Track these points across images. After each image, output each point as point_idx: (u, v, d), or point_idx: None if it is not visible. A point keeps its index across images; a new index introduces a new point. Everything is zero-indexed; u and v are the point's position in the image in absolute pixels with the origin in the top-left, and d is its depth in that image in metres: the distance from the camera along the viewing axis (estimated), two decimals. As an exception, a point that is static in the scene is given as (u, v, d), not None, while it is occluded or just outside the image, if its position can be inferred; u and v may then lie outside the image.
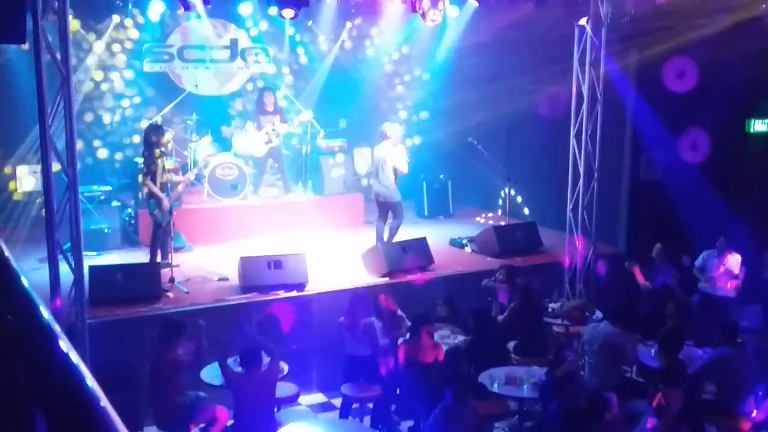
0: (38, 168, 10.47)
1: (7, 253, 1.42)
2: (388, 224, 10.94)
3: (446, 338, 8.60)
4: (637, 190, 11.86)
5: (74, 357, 1.16)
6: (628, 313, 8.39)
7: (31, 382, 1.16)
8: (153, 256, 9.87)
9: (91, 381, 1.12)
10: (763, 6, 10.24)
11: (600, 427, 5.58)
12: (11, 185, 11.14)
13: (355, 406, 8.27)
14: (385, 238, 10.84)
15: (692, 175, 11.15)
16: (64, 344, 1.19)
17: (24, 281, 1.31)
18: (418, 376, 7.56)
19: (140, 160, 11.43)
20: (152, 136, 9.75)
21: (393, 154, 10.64)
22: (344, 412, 8.12)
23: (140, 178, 10.30)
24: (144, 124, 12.40)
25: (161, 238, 9.89)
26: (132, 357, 8.04)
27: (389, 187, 10.66)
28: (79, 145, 11.84)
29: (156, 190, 9.63)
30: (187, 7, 8.53)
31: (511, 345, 8.74)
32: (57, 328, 1.22)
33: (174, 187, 9.95)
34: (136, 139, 12.56)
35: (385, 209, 10.87)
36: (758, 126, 12.14)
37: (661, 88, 11.11)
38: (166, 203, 9.65)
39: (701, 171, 11.18)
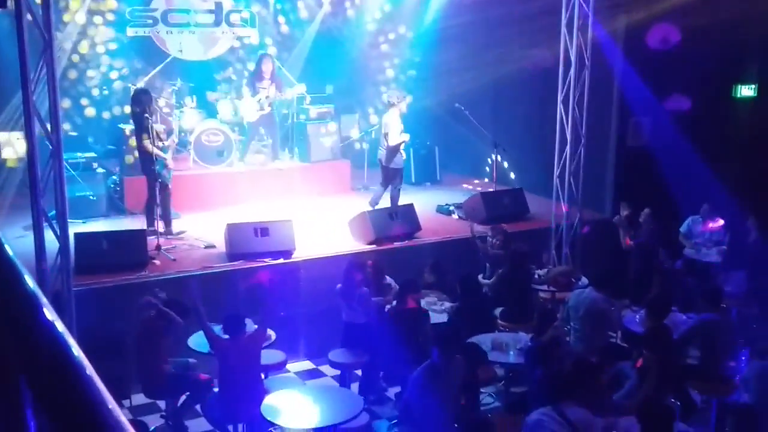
0: (18, 134, 10.42)
1: None
2: (389, 190, 11.05)
3: (433, 305, 8.63)
4: (624, 156, 11.86)
5: (60, 326, 1.15)
6: (613, 279, 8.44)
7: (15, 352, 1.13)
8: (151, 221, 9.91)
9: (76, 350, 1.11)
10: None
11: (584, 391, 5.63)
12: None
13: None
14: (380, 204, 10.90)
15: (679, 141, 11.16)
16: (49, 313, 1.17)
17: (7, 249, 1.27)
18: (400, 322, 7.58)
19: (127, 126, 11.37)
20: (143, 99, 9.70)
21: (395, 121, 10.69)
22: (344, 381, 8.12)
23: (132, 141, 10.21)
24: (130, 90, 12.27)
25: (166, 201, 9.97)
26: (118, 325, 8.03)
27: (388, 154, 10.70)
28: (66, 104, 11.78)
29: (157, 150, 9.72)
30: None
31: (497, 311, 8.78)
32: (42, 297, 1.20)
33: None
34: (126, 108, 12.37)
35: (386, 174, 10.98)
36: (745, 91, 12.15)
37: (649, 53, 11.07)
38: (171, 161, 9.82)
39: (688, 137, 11.19)
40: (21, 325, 1.16)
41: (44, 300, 1.20)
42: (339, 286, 8.16)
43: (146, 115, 9.67)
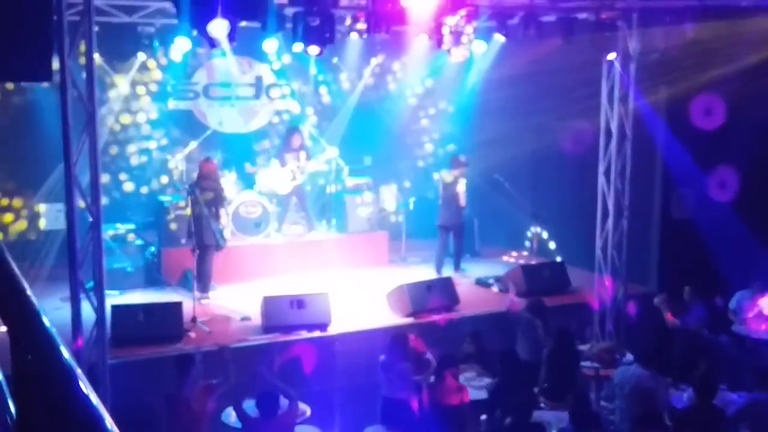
0: (58, 206, 10.54)
1: (29, 291, 1.44)
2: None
3: (472, 380, 8.41)
4: (669, 228, 11.63)
5: (94, 399, 1.17)
6: (659, 356, 8.17)
7: (51, 424, 1.16)
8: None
9: (110, 423, 1.13)
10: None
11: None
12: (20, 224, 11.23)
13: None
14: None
15: (725, 213, 10.91)
16: (84, 386, 1.20)
17: (45, 320, 1.33)
18: (443, 419, 7.37)
19: (166, 198, 11.46)
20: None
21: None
22: None
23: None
24: (172, 164, 12.43)
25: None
26: (152, 398, 7.93)
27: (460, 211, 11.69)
28: (105, 178, 11.91)
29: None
30: (213, 45, 8.53)
31: (538, 389, 8.51)
32: (77, 369, 1.24)
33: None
34: (164, 180, 12.59)
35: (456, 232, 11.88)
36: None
37: (691, 123, 10.94)
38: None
39: (734, 208, 10.94)
40: (57, 397, 1.17)
41: (80, 372, 1.23)
42: (382, 357, 7.98)
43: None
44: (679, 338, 9.60)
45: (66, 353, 1.27)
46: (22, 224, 11.55)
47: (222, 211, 10.66)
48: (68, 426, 1.14)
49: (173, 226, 11.34)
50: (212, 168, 10.74)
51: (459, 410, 7.49)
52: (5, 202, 11.55)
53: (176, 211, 11.36)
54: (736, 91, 10.48)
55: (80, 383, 1.20)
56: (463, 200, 11.76)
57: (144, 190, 12.62)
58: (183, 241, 11.09)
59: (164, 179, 12.61)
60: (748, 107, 10.64)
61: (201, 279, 10.28)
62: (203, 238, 10.20)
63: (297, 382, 8.23)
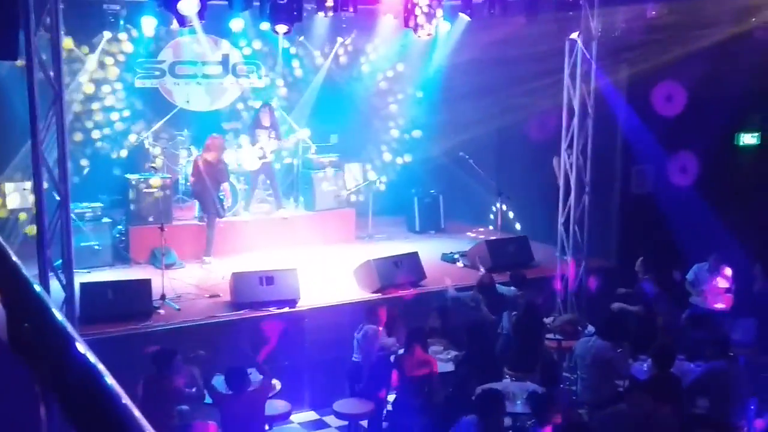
0: (25, 185, 10.49)
1: (15, 258, 1.42)
2: None
3: (438, 354, 8.58)
4: (629, 203, 11.88)
5: (92, 357, 1.18)
6: (619, 327, 8.39)
7: (53, 386, 1.17)
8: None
9: (110, 379, 1.14)
10: (753, 20, 10.31)
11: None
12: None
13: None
14: None
15: (683, 189, 11.20)
16: (81, 346, 1.20)
17: (36, 287, 1.32)
18: (412, 389, 7.54)
19: (133, 176, 11.47)
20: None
21: None
22: None
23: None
24: (133, 138, 12.41)
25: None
26: (123, 375, 7.92)
27: None
28: (78, 136, 11.86)
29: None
30: (182, 23, 8.53)
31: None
32: (73, 330, 1.24)
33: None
34: (124, 153, 12.56)
35: None
36: (747, 139, 12.21)
37: (652, 101, 11.16)
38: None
39: (692, 184, 11.22)
40: (57, 360, 1.18)
41: (75, 333, 1.23)
42: (360, 327, 8.23)
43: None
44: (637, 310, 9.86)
45: (59, 316, 1.26)
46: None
47: (225, 185, 11.63)
48: (71, 386, 1.15)
49: (140, 204, 11.33)
50: (218, 144, 11.48)
51: (428, 380, 7.65)
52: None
53: (143, 189, 11.35)
54: (695, 69, 10.72)
55: (77, 344, 1.20)
56: None
57: (112, 169, 12.55)
58: (150, 218, 11.17)
59: (124, 153, 12.54)
60: (708, 86, 10.89)
61: (207, 244, 11.31)
62: (206, 207, 11.35)
63: (267, 357, 8.35)
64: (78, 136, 12.10)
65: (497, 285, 9.48)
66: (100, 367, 1.18)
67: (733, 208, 11.03)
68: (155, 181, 11.39)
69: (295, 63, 13.91)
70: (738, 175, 11.85)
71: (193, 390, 7.17)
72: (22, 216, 10.90)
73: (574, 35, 10.30)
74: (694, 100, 11.08)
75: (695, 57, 10.60)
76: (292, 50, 13.72)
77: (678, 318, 9.63)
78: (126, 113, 12.71)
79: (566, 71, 10.48)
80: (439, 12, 10.25)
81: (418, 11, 9.76)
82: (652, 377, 7.52)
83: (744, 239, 10.51)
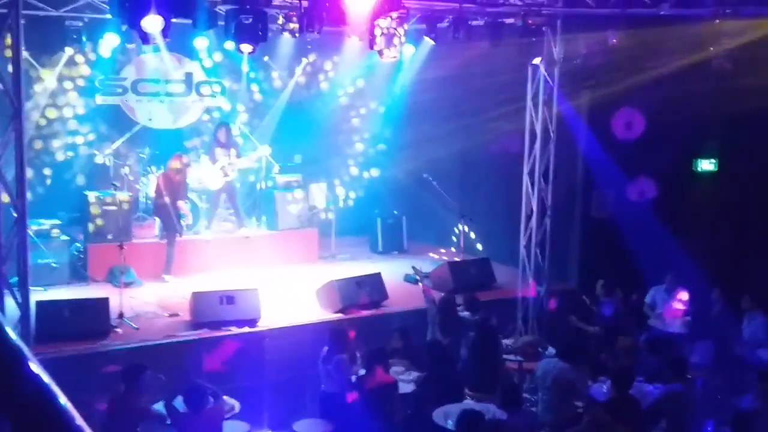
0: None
1: None
2: None
3: (400, 375, 8.54)
4: (589, 226, 12.01)
5: (46, 378, 1.18)
6: (579, 349, 8.45)
7: (6, 407, 1.15)
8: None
9: (64, 400, 1.15)
10: (711, 49, 10.53)
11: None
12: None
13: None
14: None
15: (643, 213, 11.34)
16: (35, 365, 1.20)
17: None
18: (372, 402, 7.49)
19: (92, 193, 11.34)
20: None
21: None
22: None
23: (95, 209, 11.21)
24: (99, 159, 12.31)
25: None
26: (80, 395, 7.81)
27: None
28: (30, 173, 11.68)
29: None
30: (146, 41, 8.48)
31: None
32: (26, 348, 1.23)
33: None
34: (83, 170, 12.49)
35: None
36: (705, 165, 12.42)
37: (612, 127, 11.33)
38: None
39: (651, 208, 11.38)
40: (9, 379, 1.18)
41: (28, 352, 1.23)
42: (325, 349, 8.07)
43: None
44: (596, 332, 9.96)
45: (12, 334, 1.24)
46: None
47: (181, 203, 11.47)
48: (23, 406, 1.14)
49: (99, 222, 11.19)
50: (182, 162, 11.55)
51: (387, 391, 7.61)
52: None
53: (103, 206, 11.22)
54: (654, 96, 10.91)
55: (30, 363, 1.20)
56: None
57: (70, 184, 12.42)
58: (109, 236, 11.04)
59: (91, 176, 12.48)
60: (667, 112, 11.08)
61: (167, 262, 11.28)
62: (166, 225, 11.34)
63: (226, 377, 8.27)
64: (38, 144, 11.98)
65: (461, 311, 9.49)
66: (54, 387, 1.19)
67: (691, 233, 11.20)
68: (122, 195, 11.32)
69: (254, 87, 13.91)
70: (696, 201, 12.03)
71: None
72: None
73: (536, 61, 10.44)
74: (654, 126, 11.27)
75: (655, 84, 10.80)
76: (252, 74, 13.70)
77: (637, 340, 9.73)
78: (85, 129, 12.61)
79: (529, 96, 10.61)
80: (400, 31, 10.30)
81: (377, 32, 9.80)
82: (611, 399, 7.57)
83: (701, 264, 10.67)
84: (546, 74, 10.35)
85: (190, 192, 12.05)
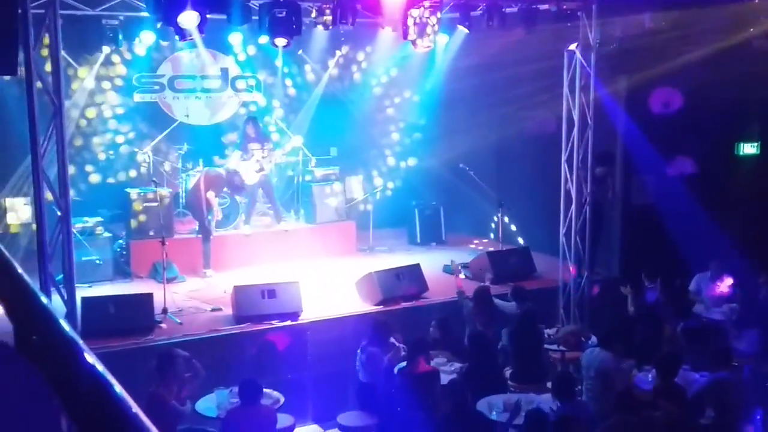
0: (26, 200, 10.50)
1: (20, 270, 1.42)
2: None
3: (442, 366, 8.53)
4: (630, 213, 11.88)
5: (101, 367, 1.19)
6: (621, 338, 8.35)
7: (64, 398, 1.17)
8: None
9: (120, 389, 1.15)
10: (751, 29, 10.34)
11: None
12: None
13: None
14: None
15: (684, 198, 11.18)
16: (90, 356, 1.21)
17: (42, 299, 1.33)
18: (414, 386, 7.50)
19: (134, 191, 11.48)
20: None
21: None
22: None
23: (137, 206, 11.33)
24: (139, 156, 12.46)
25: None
26: (125, 389, 7.92)
27: None
28: (72, 171, 11.87)
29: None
30: (183, 37, 8.55)
31: (507, 372, 8.67)
32: (80, 340, 1.25)
33: None
34: (132, 173, 12.70)
35: None
36: (747, 149, 12.22)
37: (651, 112, 11.18)
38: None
39: (693, 194, 11.22)
40: (66, 372, 1.19)
41: (83, 343, 1.24)
42: (364, 342, 8.12)
43: None
44: (640, 320, 9.83)
45: (67, 327, 1.27)
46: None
47: (211, 195, 11.50)
48: (81, 397, 1.15)
49: (141, 218, 11.33)
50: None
51: (430, 381, 7.62)
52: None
53: (145, 203, 11.34)
54: (694, 79, 10.74)
55: (86, 354, 1.21)
56: None
57: (111, 181, 12.59)
58: (151, 232, 11.15)
59: (132, 173, 12.67)
60: (706, 95, 10.91)
61: (204, 257, 11.42)
62: (202, 224, 11.47)
63: (270, 370, 8.33)
64: (78, 142, 12.16)
65: (497, 300, 9.45)
66: (110, 377, 1.19)
67: (734, 217, 11.03)
68: (163, 192, 11.43)
69: (288, 82, 13.92)
70: (738, 185, 11.85)
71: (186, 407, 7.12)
72: (14, 228, 10.92)
73: (572, 46, 10.33)
74: (693, 110, 11.10)
75: (693, 67, 10.63)
76: (285, 69, 13.74)
77: (680, 327, 9.59)
78: (125, 128, 12.76)
79: (565, 82, 10.50)
80: (433, 20, 10.24)
81: (410, 22, 9.75)
82: (656, 387, 7.48)
83: (745, 249, 10.50)
84: (582, 60, 10.23)
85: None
